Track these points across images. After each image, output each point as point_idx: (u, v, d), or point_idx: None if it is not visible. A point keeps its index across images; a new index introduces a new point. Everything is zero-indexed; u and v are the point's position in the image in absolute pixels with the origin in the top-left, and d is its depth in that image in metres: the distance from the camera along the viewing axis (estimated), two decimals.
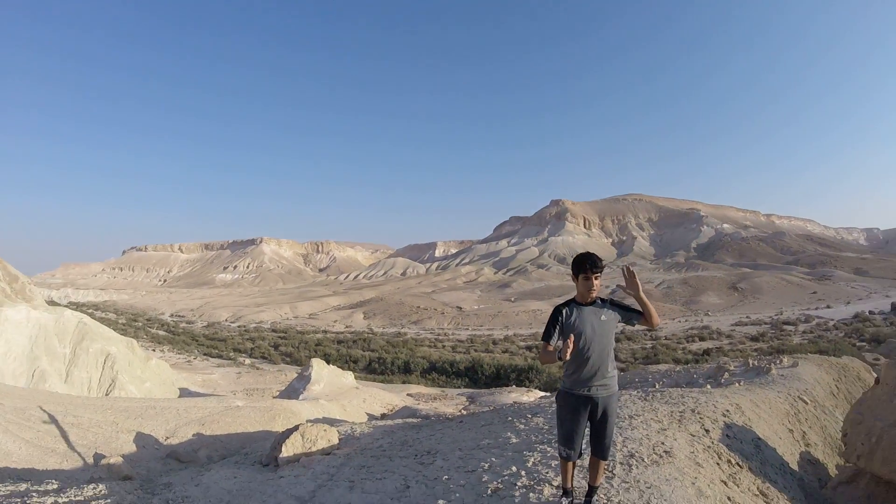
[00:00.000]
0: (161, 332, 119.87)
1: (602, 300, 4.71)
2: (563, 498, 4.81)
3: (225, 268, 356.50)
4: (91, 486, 7.10)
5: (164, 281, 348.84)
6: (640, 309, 4.67)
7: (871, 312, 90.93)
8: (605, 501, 4.85)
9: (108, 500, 6.50)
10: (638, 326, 4.92)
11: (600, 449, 4.71)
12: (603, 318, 4.59)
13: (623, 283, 4.67)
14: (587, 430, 4.77)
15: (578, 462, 5.24)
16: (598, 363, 4.53)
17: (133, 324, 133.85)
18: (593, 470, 4.80)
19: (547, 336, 4.66)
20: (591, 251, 4.63)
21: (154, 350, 78.63)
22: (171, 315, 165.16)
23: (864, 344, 60.42)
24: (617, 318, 4.68)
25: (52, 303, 25.91)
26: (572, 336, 4.37)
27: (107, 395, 20.14)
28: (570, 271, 4.75)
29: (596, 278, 4.56)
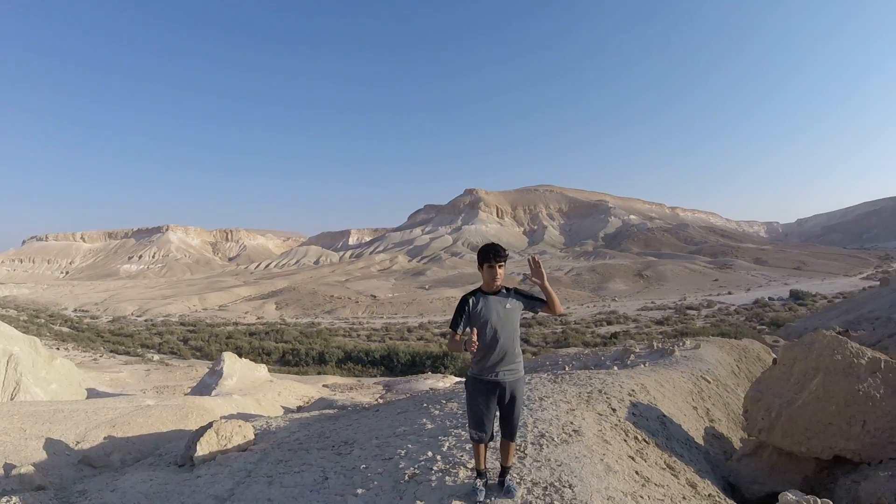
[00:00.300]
0: (65, 329, 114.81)
1: (507, 289, 4.90)
2: (478, 479, 5.02)
3: (130, 258, 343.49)
4: (4, 500, 6.95)
5: (67, 273, 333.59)
6: (544, 297, 4.89)
7: (770, 299, 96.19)
8: (519, 480, 5.09)
9: None
10: (542, 314, 5.17)
11: (509, 431, 4.92)
12: (508, 306, 4.78)
13: (529, 273, 4.87)
14: (497, 414, 4.97)
15: (491, 444, 5.48)
16: (504, 349, 4.72)
17: (35, 320, 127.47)
18: (504, 451, 5.01)
19: (454, 325, 4.85)
20: (499, 241, 4.84)
21: (58, 349, 75.28)
22: (75, 310, 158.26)
23: (763, 327, 63.26)
24: (521, 306, 4.87)
25: None
26: (475, 330, 4.61)
27: (12, 399, 19.31)
28: None
29: (500, 267, 4.76)
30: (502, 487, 4.92)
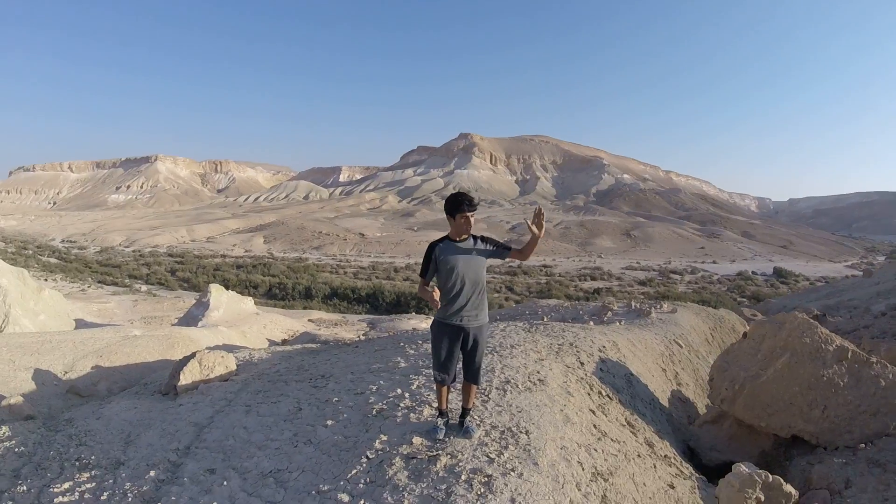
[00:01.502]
0: (52, 260, 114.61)
1: (475, 237, 5.01)
2: (439, 418, 5.25)
3: (118, 188, 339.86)
4: None
5: (54, 203, 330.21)
6: (517, 247, 5.06)
7: (753, 273, 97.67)
8: (479, 422, 5.32)
9: (13, 442, 6.64)
10: (508, 260, 5.37)
11: (471, 374, 5.13)
12: (475, 253, 4.91)
13: (529, 220, 4.96)
14: (461, 357, 5.17)
15: (455, 387, 5.74)
16: (468, 295, 4.88)
17: (23, 252, 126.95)
18: (466, 393, 5.22)
19: (423, 272, 5.01)
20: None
21: (46, 280, 75.30)
22: (63, 241, 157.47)
23: (744, 300, 64.46)
24: (488, 252, 4.99)
25: None
26: (436, 290, 4.79)
27: (1, 331, 19.54)
28: None
29: (471, 216, 4.87)
30: (461, 428, 5.14)
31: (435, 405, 5.74)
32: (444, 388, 5.25)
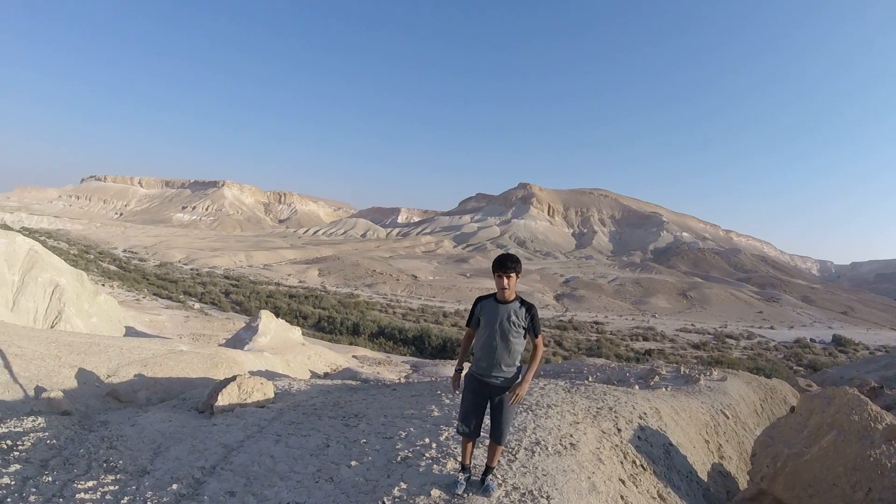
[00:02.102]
0: (112, 268, 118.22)
1: (523, 302, 4.97)
2: (461, 473, 5.18)
3: (184, 207, 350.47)
4: (31, 419, 7.41)
5: (121, 214, 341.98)
6: (534, 347, 5.08)
7: (812, 340, 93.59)
8: (501, 482, 5.23)
9: (46, 433, 6.82)
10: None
11: (495, 433, 5.04)
12: (513, 318, 4.87)
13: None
14: (488, 413, 5.11)
15: (481, 444, 5.69)
16: (497, 358, 4.87)
17: (85, 256, 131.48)
18: (490, 451, 5.15)
19: (469, 321, 5.11)
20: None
21: (103, 285, 77.56)
22: (125, 250, 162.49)
23: (800, 369, 61.94)
24: (524, 323, 4.92)
25: (5, 227, 25.60)
26: (456, 380, 5.07)
27: (52, 327, 20.10)
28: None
29: (507, 278, 4.84)
30: (482, 485, 5.08)
31: (460, 459, 5.67)
32: (468, 443, 5.22)
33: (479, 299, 5.12)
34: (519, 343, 4.97)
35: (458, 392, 5.36)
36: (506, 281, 4.88)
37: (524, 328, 4.96)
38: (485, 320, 4.95)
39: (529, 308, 4.98)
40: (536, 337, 5.00)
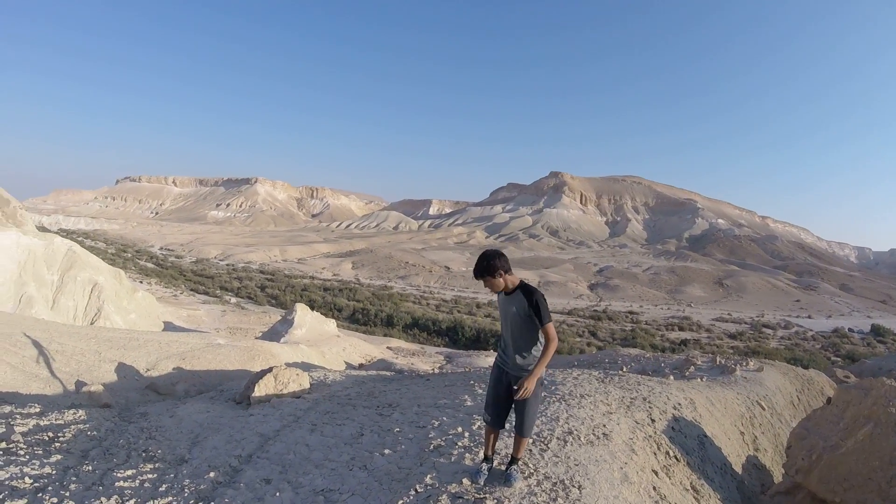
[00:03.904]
0: (149, 265, 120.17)
1: (525, 289, 4.89)
2: (483, 463, 5.19)
3: (218, 205, 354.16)
4: (71, 412, 7.59)
5: (156, 213, 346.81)
6: (545, 333, 4.86)
7: (850, 330, 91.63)
8: (533, 470, 5.25)
9: (87, 425, 6.98)
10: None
11: (517, 424, 5.04)
12: (514, 309, 4.84)
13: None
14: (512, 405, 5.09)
15: (505, 435, 5.74)
16: (512, 348, 4.91)
17: (122, 254, 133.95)
18: (515, 443, 5.15)
19: None
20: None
21: (141, 282, 78.98)
22: (161, 248, 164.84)
23: (838, 359, 60.77)
24: (528, 311, 4.81)
25: (42, 229, 26.14)
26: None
27: (92, 324, 20.49)
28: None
29: (487, 283, 4.85)
30: (505, 474, 5.05)
31: (483, 449, 5.70)
32: (490, 432, 5.22)
33: (500, 291, 5.02)
34: (531, 332, 4.89)
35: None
36: (489, 286, 4.89)
37: (530, 317, 4.84)
38: (500, 313, 5.03)
39: (531, 294, 4.84)
40: (543, 325, 4.80)
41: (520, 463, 5.31)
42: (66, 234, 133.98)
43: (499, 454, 5.53)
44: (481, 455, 5.62)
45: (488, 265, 4.85)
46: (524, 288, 4.90)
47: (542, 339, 4.91)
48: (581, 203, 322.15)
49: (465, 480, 5.00)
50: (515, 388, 4.81)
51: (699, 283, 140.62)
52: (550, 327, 4.81)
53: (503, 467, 5.26)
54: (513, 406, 5.07)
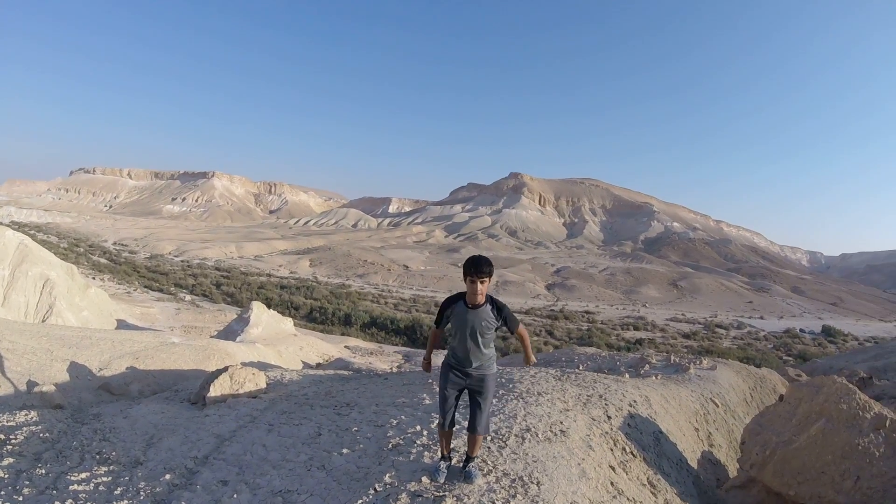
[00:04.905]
0: (102, 260, 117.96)
1: (493, 302, 4.99)
2: (442, 461, 5.26)
3: (173, 199, 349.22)
4: (23, 413, 7.44)
5: (111, 206, 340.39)
6: (519, 341, 5.28)
7: (801, 331, 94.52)
8: (492, 467, 5.28)
9: (39, 427, 6.85)
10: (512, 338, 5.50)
11: (472, 424, 5.08)
12: (485, 323, 4.90)
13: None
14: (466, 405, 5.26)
15: (460, 434, 5.74)
16: (469, 355, 4.96)
17: (75, 249, 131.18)
18: (470, 442, 5.16)
19: (437, 322, 5.18)
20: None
21: (94, 278, 77.40)
22: (115, 243, 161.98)
23: (790, 359, 62.54)
24: (496, 324, 4.96)
25: None
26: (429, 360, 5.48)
27: (44, 321, 20.05)
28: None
29: (481, 283, 4.85)
30: (463, 471, 5.07)
31: (438, 449, 5.72)
32: (444, 434, 5.24)
33: (449, 302, 5.13)
34: (491, 336, 5.05)
35: (430, 380, 5.45)
36: (479, 286, 4.88)
37: (497, 328, 5.01)
38: (456, 324, 4.98)
39: (501, 310, 4.96)
40: (514, 332, 5.03)
41: (477, 460, 5.36)
42: (19, 227, 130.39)
43: (457, 451, 5.55)
44: (440, 454, 5.59)
45: (492, 266, 5.01)
46: (493, 300, 5.00)
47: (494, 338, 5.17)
48: (540, 204, 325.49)
49: (424, 478, 5.00)
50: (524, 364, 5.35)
51: (654, 285, 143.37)
52: (520, 328, 5.07)
53: (461, 465, 5.28)
54: (471, 405, 5.13)
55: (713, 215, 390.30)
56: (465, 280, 4.96)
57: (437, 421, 5.30)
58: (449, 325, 5.11)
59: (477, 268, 4.86)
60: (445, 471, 5.13)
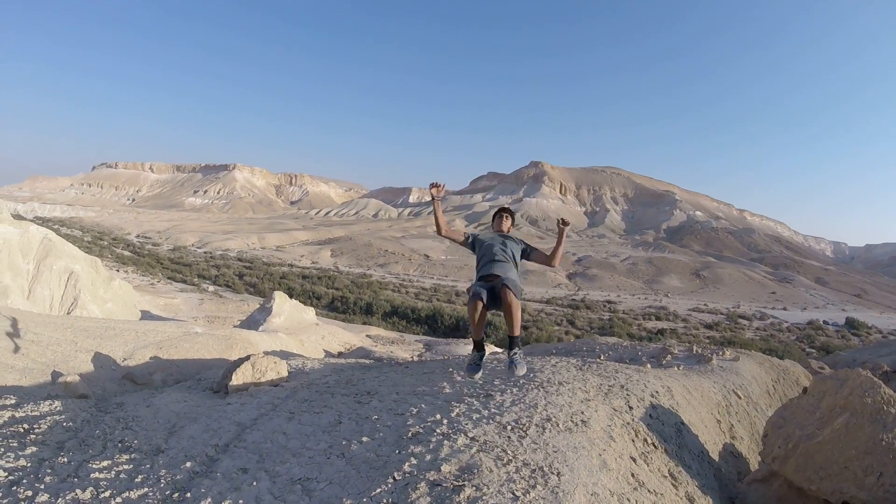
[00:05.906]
0: (126, 253, 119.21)
1: (517, 237, 6.07)
2: (475, 352, 5.56)
3: (195, 192, 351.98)
4: (47, 403, 7.50)
5: (133, 200, 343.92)
6: (544, 251, 6.07)
7: (825, 322, 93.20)
8: (511, 457, 5.19)
9: (63, 416, 6.92)
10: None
11: (504, 282, 5.54)
12: (509, 242, 5.91)
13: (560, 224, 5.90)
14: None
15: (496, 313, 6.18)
16: (499, 261, 5.80)
17: (98, 242, 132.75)
18: (507, 316, 5.37)
19: (465, 239, 6.29)
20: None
21: (118, 271, 78.23)
22: (138, 236, 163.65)
23: (812, 351, 62.05)
24: (521, 245, 5.95)
25: (17, 217, 25.78)
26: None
27: (68, 313, 20.27)
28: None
29: (506, 219, 6.16)
30: (509, 361, 5.50)
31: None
32: (478, 308, 5.61)
33: (478, 233, 6.30)
34: (516, 253, 5.96)
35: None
36: (504, 221, 6.26)
37: (521, 249, 6.02)
38: (484, 243, 5.98)
39: (521, 240, 6.12)
40: (534, 251, 6.11)
41: (519, 348, 5.89)
42: (42, 222, 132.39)
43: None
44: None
45: (513, 212, 6.56)
46: (515, 237, 6.16)
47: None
48: (561, 193, 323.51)
49: (444, 467, 4.93)
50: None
51: (676, 274, 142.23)
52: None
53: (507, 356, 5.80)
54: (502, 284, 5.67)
55: (736, 204, 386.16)
56: (492, 225, 6.26)
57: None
58: (476, 249, 6.16)
59: (502, 209, 6.37)
60: (479, 365, 5.95)
